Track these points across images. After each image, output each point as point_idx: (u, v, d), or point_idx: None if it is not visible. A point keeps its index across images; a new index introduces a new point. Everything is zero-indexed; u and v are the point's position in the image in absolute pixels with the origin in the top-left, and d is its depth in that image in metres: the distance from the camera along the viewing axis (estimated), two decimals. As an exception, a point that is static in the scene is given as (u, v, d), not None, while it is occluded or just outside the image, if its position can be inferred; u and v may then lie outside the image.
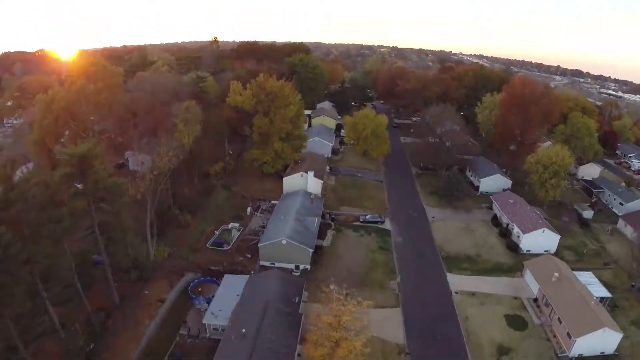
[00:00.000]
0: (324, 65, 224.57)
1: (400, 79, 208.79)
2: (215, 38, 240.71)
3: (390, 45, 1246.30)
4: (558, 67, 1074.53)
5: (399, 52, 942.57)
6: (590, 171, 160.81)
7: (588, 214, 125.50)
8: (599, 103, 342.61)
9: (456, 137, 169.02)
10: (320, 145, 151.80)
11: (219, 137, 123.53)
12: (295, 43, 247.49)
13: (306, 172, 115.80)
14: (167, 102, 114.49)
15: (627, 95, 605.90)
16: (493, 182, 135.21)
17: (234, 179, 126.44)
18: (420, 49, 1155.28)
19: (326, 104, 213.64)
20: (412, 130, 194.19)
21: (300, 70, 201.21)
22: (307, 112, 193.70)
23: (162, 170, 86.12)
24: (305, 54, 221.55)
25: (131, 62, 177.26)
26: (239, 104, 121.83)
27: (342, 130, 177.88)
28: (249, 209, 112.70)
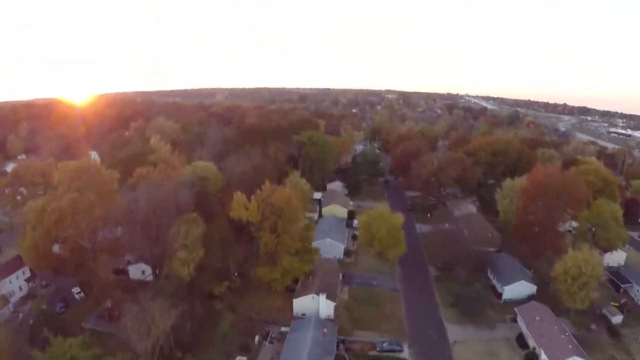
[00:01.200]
0: (333, 140, 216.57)
1: (415, 158, 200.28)
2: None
3: (397, 90, 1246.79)
4: (564, 105, 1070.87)
5: (406, 99, 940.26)
6: (616, 257, 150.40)
7: (617, 319, 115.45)
8: (610, 146, 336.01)
9: (474, 224, 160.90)
10: (331, 246, 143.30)
11: (223, 252, 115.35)
12: (304, 117, 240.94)
13: (318, 295, 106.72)
14: (165, 221, 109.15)
15: (636, 133, 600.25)
16: (518, 289, 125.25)
17: (240, 297, 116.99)
18: (427, 94, 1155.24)
19: (337, 185, 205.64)
20: (429, 215, 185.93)
21: (309, 150, 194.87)
22: (317, 195, 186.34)
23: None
24: (314, 129, 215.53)
25: (130, 151, 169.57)
26: (244, 217, 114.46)
27: (355, 221, 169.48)
28: (257, 337, 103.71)
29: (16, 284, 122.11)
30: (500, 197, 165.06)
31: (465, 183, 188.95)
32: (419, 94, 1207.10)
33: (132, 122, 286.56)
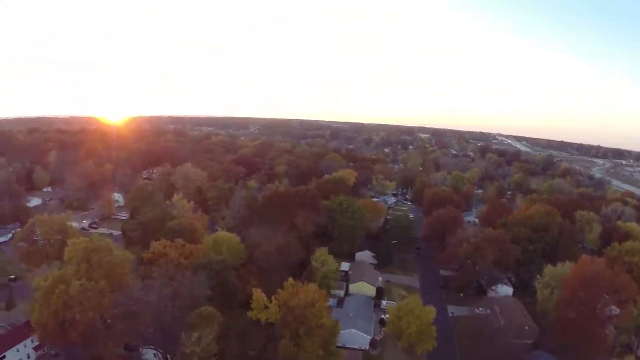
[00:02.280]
0: (365, 204, 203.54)
1: (449, 228, 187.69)
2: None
3: (429, 127, 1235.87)
4: (598, 147, 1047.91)
5: (438, 139, 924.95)
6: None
7: None
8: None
9: (510, 310, 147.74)
10: (357, 338, 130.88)
11: (240, 349, 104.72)
12: (334, 178, 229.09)
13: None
14: (179, 313, 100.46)
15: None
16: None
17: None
18: (459, 133, 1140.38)
19: (366, 255, 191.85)
20: (461, 294, 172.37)
21: (338, 217, 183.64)
22: (345, 266, 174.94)
23: None
24: (345, 194, 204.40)
25: (150, 214, 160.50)
26: (263, 319, 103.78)
27: (384, 302, 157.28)
28: None
29: (24, 352, 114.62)
30: (541, 286, 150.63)
31: (502, 263, 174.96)
32: (451, 132, 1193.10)
33: (159, 166, 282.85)
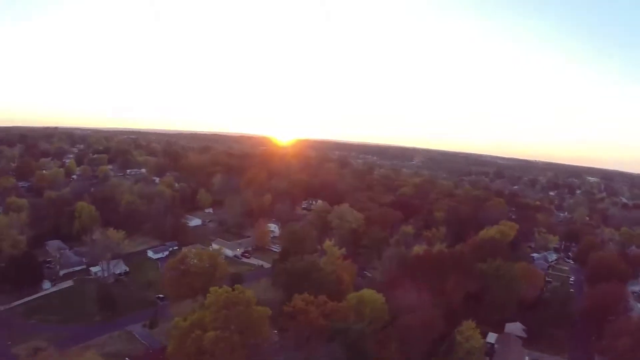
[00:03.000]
0: (524, 270, 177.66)
1: (611, 317, 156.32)
2: None
3: (598, 168, 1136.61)
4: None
5: (608, 184, 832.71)
6: None
7: None
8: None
9: None
10: None
11: None
12: (493, 238, 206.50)
13: None
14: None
15: None
16: None
17: None
18: (631, 177, 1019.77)
19: (516, 328, 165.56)
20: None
21: (492, 284, 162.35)
22: (491, 337, 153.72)
23: None
24: (503, 253, 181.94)
25: (298, 266, 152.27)
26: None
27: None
28: None
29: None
30: None
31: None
32: (622, 175, 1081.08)
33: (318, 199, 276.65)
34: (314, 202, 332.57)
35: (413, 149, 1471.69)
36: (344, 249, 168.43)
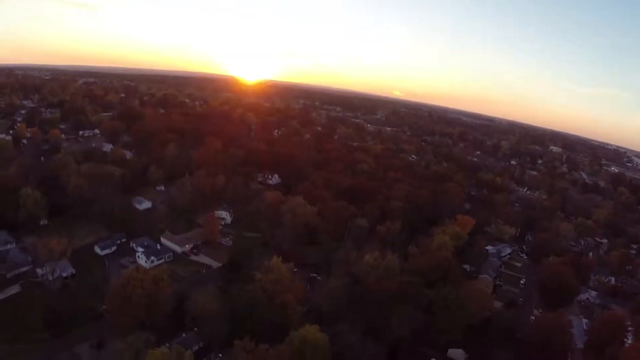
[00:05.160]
0: (472, 292, 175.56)
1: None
2: None
3: (562, 132, 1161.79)
4: None
5: (569, 155, 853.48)
6: None
7: None
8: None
9: None
10: None
11: None
12: (445, 259, 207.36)
13: None
14: None
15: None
16: None
17: None
18: (593, 148, 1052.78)
19: (459, 354, 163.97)
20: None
21: (439, 312, 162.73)
22: None
23: None
24: (452, 272, 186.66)
25: (237, 300, 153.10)
26: None
27: None
28: None
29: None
30: None
31: None
32: (584, 144, 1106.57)
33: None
34: (270, 177, 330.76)
35: (378, 99, 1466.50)
36: (292, 264, 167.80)
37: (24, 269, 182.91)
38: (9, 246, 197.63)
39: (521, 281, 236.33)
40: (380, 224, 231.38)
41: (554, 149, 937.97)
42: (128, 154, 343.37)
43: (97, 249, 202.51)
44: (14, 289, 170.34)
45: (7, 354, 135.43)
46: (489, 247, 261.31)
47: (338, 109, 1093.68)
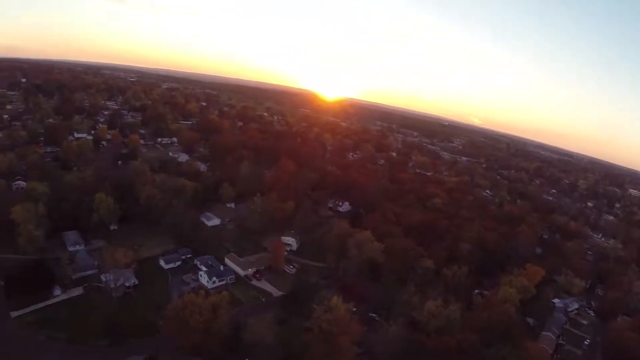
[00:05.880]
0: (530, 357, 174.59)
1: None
2: None
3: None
4: None
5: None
6: None
7: None
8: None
9: None
10: None
11: None
12: (508, 316, 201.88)
13: None
14: None
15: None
16: None
17: None
18: None
19: None
20: None
21: None
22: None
23: None
24: (517, 331, 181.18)
25: (285, 337, 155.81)
26: None
27: None
28: None
29: None
30: None
31: None
32: None
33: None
34: (341, 204, 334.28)
35: (457, 125, 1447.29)
36: (351, 304, 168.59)
37: (90, 272, 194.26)
38: (77, 247, 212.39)
39: (585, 341, 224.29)
40: (447, 266, 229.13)
41: (633, 192, 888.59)
42: (202, 167, 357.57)
43: (161, 262, 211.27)
44: (77, 291, 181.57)
45: (65, 354, 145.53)
46: (555, 300, 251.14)
47: (415, 133, 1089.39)
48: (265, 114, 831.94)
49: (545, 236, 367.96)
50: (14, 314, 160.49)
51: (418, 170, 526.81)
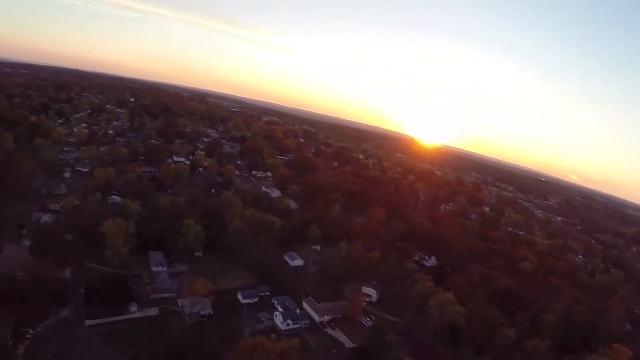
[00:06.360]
0: None
1: None
2: None
3: None
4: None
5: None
6: None
7: None
8: None
9: None
10: None
11: None
12: None
13: None
14: None
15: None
16: None
17: None
18: None
19: None
20: None
21: None
22: None
23: None
24: None
25: None
26: None
27: None
28: None
29: None
30: None
31: None
32: None
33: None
34: (427, 258, 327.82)
35: (554, 181, 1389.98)
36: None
37: (168, 294, 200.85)
38: (160, 268, 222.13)
39: None
40: (529, 337, 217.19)
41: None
42: (293, 205, 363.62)
43: (239, 296, 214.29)
44: (153, 311, 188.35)
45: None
46: None
47: (510, 188, 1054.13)
48: (362, 156, 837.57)
49: (637, 311, 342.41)
50: (89, 322, 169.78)
51: (510, 229, 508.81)
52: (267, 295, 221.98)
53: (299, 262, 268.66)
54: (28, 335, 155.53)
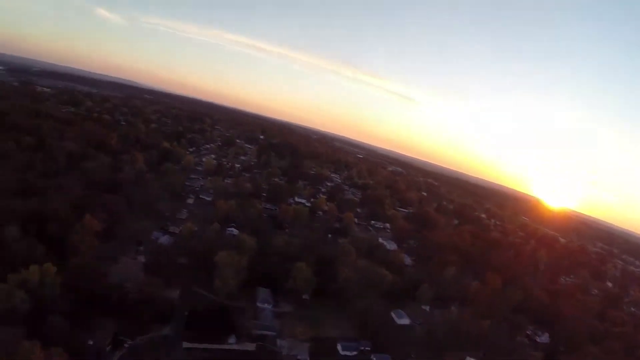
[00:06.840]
0: None
1: None
2: None
3: None
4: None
5: None
6: None
7: None
8: None
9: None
10: None
11: None
12: None
13: None
14: None
15: None
16: None
17: None
18: None
19: None
20: None
21: None
22: None
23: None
24: None
25: None
26: None
27: None
28: None
29: None
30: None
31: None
32: None
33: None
34: (540, 334, 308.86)
35: None
36: None
37: (268, 332, 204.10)
38: (265, 305, 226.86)
39: None
40: None
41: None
42: (408, 260, 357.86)
43: (339, 346, 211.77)
44: (250, 346, 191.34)
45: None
46: None
47: (638, 262, 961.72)
48: (484, 215, 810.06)
49: None
50: (186, 344, 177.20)
51: (633, 309, 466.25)
52: (368, 350, 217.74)
53: (405, 320, 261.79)
54: (126, 345, 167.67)
